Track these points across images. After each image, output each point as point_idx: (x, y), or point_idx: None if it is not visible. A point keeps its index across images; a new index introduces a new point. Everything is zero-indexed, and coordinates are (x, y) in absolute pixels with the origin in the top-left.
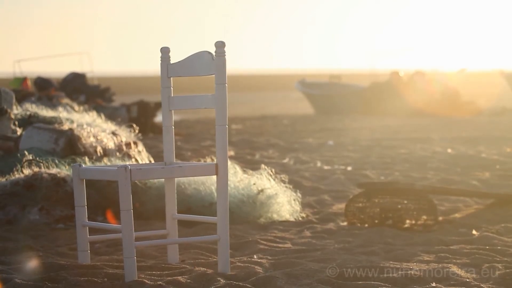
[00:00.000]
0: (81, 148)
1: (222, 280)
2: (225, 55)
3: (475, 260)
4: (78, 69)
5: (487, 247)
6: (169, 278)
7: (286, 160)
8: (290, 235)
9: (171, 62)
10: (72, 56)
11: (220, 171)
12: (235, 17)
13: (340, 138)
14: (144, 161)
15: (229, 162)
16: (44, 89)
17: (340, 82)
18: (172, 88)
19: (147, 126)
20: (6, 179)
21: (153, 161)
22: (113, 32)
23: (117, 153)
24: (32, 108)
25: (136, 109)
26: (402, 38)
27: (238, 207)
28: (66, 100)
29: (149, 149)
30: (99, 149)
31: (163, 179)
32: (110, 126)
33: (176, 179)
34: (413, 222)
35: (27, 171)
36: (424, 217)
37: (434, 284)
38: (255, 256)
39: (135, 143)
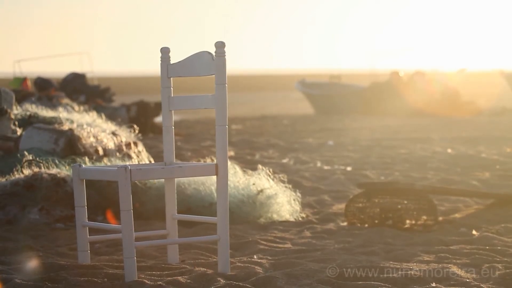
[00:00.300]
0: (81, 148)
1: (222, 280)
2: (225, 55)
3: (475, 260)
4: (78, 69)
5: (487, 247)
6: (169, 278)
7: (286, 160)
8: (290, 235)
9: (171, 62)
10: (72, 56)
11: (220, 171)
12: (235, 17)
13: (340, 138)
14: (144, 161)
15: (229, 162)
16: (44, 89)
17: (340, 82)
18: (172, 88)
19: (147, 126)
20: (6, 179)
21: (153, 161)
22: (113, 32)
23: (117, 153)
24: (32, 108)
25: (136, 109)
26: (402, 38)
27: (238, 207)
28: (66, 100)
29: (149, 149)
30: (99, 149)
31: (163, 179)
32: (110, 126)
33: (176, 179)
34: (413, 222)
35: (27, 171)
36: (424, 217)
37: (434, 284)
38: (255, 256)
39: (135, 143)
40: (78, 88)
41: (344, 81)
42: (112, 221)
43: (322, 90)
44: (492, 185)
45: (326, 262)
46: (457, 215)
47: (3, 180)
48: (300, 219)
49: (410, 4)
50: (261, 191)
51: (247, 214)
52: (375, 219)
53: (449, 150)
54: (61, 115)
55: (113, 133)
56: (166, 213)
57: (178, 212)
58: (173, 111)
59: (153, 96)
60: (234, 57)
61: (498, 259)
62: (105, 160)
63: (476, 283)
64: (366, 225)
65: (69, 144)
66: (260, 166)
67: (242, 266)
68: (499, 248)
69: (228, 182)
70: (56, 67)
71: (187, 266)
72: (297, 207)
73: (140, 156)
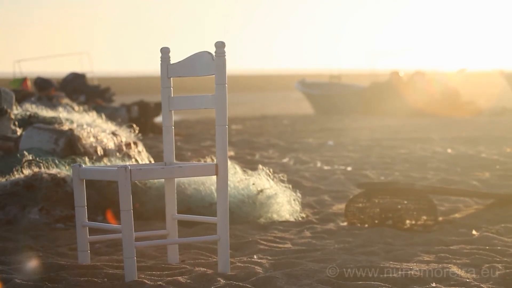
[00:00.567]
0: (81, 148)
1: (222, 280)
2: (225, 55)
3: (475, 260)
4: (78, 69)
5: (487, 247)
6: (169, 278)
7: (286, 160)
8: (290, 235)
9: (171, 62)
10: (72, 56)
11: (220, 171)
12: (235, 17)
13: (340, 138)
14: (144, 161)
15: (229, 162)
16: (44, 89)
17: (340, 82)
18: (172, 88)
19: (147, 126)
20: (6, 179)
21: (153, 161)
22: (113, 32)
23: (117, 154)
24: (32, 108)
25: (136, 109)
26: (402, 38)
27: (238, 207)
28: (66, 100)
29: (149, 149)
30: (99, 149)
31: (163, 180)
32: (110, 126)
33: (176, 179)
34: (413, 222)
35: (27, 171)
36: (424, 217)
37: (434, 284)
38: (255, 256)
39: (135, 143)
40: (78, 88)
41: (344, 81)
42: (112, 221)
43: (322, 90)
44: (492, 185)
45: (326, 262)
46: (457, 215)
47: (3, 180)
48: (300, 219)
49: (410, 4)
50: (261, 191)
51: (247, 214)
52: (375, 219)
53: (449, 150)
54: (61, 115)
55: (113, 133)
56: (166, 213)
57: (178, 212)
58: (173, 111)
59: (153, 96)
60: (234, 57)
61: (498, 259)
62: (105, 160)
63: (476, 283)
64: (366, 225)
65: (69, 144)
66: (260, 166)
67: (242, 266)
68: (499, 248)
69: (228, 182)
70: (56, 67)
71: (187, 266)
72: (297, 207)
73: (140, 156)
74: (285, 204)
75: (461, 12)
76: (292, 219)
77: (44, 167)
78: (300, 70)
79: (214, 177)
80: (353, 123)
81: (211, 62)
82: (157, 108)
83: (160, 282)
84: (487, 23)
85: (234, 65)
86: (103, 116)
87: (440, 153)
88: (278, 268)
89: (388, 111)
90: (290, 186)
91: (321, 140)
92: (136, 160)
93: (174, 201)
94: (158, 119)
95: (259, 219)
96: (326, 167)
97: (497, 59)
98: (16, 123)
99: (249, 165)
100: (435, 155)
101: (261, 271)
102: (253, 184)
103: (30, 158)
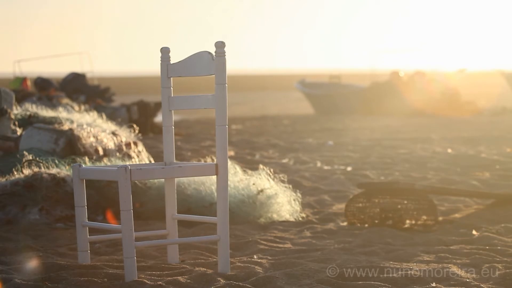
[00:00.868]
0: (81, 148)
1: (222, 280)
2: (225, 55)
3: (475, 260)
4: (78, 69)
5: (487, 247)
6: (169, 278)
7: (286, 160)
8: (290, 235)
9: (171, 62)
10: (72, 56)
11: (220, 171)
12: (235, 17)
13: (340, 138)
14: (144, 161)
15: (229, 162)
16: (44, 89)
17: (340, 82)
18: (172, 88)
19: (147, 126)
20: (6, 179)
21: (153, 161)
22: (113, 32)
23: (117, 153)
24: (32, 108)
25: (136, 109)
26: (402, 38)
27: (238, 207)
28: (66, 100)
29: (149, 149)
30: (99, 149)
31: (163, 179)
32: (110, 126)
33: (176, 179)
34: (413, 222)
35: (27, 171)
36: (424, 217)
37: (434, 284)
38: (255, 256)
39: (135, 143)
40: (78, 88)
41: (344, 81)
42: (112, 221)
43: (322, 90)
44: (492, 185)
45: (326, 262)
46: (457, 215)
47: (3, 180)
48: (300, 219)
49: (411, 5)
50: (261, 191)
51: (247, 214)
52: (375, 219)
53: (449, 150)
54: (61, 115)
55: (113, 133)
56: (166, 213)
57: (178, 212)
58: (173, 111)
59: (153, 96)
60: (234, 57)
61: (498, 259)
62: (105, 160)
63: (476, 283)
64: (366, 225)
65: (69, 144)
66: (261, 166)
67: (242, 266)
68: (499, 248)
69: (228, 182)
70: (56, 67)
71: (187, 266)
72: (297, 207)
73: (140, 156)
74: (285, 204)
75: (461, 12)
76: (292, 219)
77: (44, 167)
78: (301, 70)
79: (214, 177)
80: (353, 123)
81: (211, 62)
82: (157, 108)
83: (160, 282)
84: (487, 23)
85: (234, 65)
86: (103, 116)
87: (440, 153)
88: (278, 268)
89: (388, 111)
90: (290, 186)
91: (321, 140)
92: (136, 160)
93: (174, 201)
94: (158, 119)
95: (259, 219)
96: (326, 167)
97: (497, 59)
98: (16, 123)
99: (249, 165)
100: (435, 155)
101: (261, 271)
102: (253, 184)
103: (30, 158)
